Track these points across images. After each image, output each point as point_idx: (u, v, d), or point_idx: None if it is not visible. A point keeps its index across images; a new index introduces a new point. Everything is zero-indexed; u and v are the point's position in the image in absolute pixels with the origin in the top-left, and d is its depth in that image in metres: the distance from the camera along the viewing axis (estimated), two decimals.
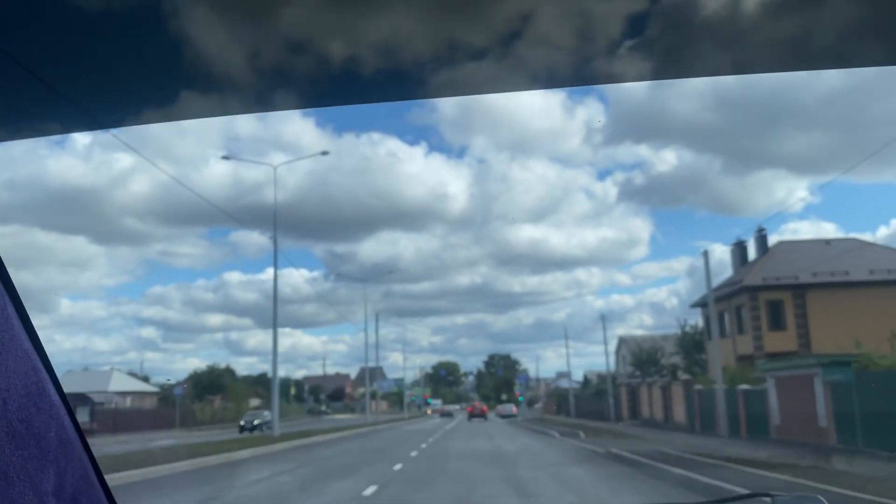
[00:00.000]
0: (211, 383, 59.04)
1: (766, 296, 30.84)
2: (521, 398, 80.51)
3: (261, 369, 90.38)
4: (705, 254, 25.60)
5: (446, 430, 32.23)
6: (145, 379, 59.43)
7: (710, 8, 0.93)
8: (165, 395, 51.20)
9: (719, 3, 0.92)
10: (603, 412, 39.90)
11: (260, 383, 77.16)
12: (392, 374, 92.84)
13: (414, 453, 16.42)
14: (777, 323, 30.75)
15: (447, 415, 65.67)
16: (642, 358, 42.37)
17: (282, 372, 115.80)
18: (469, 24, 0.95)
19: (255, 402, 57.12)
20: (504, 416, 54.78)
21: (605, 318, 42.97)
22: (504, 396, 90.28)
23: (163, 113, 1.04)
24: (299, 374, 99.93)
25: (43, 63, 0.86)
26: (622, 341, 50.79)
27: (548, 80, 1.04)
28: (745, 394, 22.41)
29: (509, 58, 0.99)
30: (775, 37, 0.97)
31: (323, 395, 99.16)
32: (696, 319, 38.36)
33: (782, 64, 1.04)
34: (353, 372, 64.32)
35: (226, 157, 29.74)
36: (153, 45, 0.88)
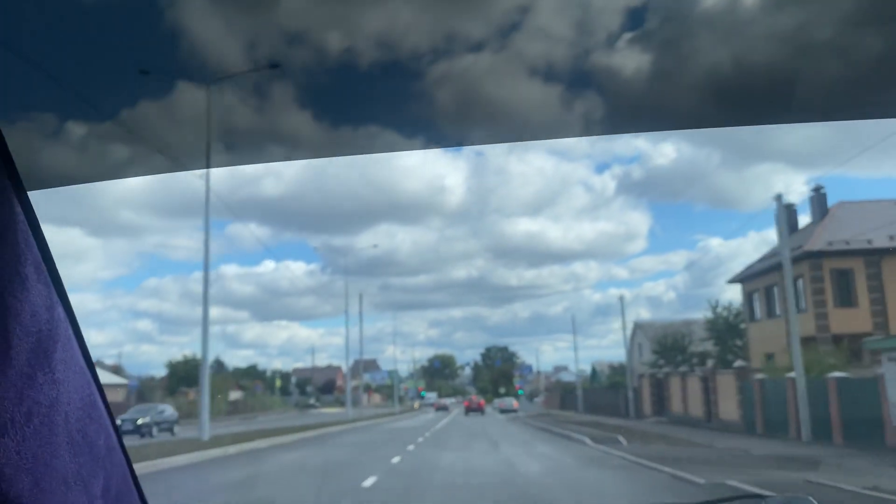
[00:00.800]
0: (187, 375, 55.33)
1: (832, 264, 25.13)
2: (521, 392, 74.84)
3: (255, 362, 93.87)
4: (779, 199, 19.56)
5: (436, 429, 26.94)
6: (116, 370, 56.22)
7: (709, 2, 0.99)
8: (142, 388, 50.45)
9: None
10: (617, 407, 35.16)
11: (249, 375, 73.91)
12: (389, 367, 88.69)
13: (369, 482, 9.59)
14: (846, 297, 25.01)
15: (443, 409, 62.25)
16: (667, 345, 36.64)
17: (278, 364, 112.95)
18: (467, 16, 0.99)
19: (235, 394, 54.96)
20: (504, 411, 50.79)
21: (623, 301, 36.56)
22: (502, 390, 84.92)
23: (158, 105, 1.08)
24: (297, 366, 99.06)
25: (40, 52, 0.90)
26: (638, 327, 44.88)
27: (546, 74, 1.08)
28: (841, 384, 16.47)
29: (507, 50, 1.03)
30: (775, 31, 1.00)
31: (310, 388, 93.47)
32: (729, 300, 32.81)
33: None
34: (348, 365, 63.14)
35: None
36: (149, 34, 0.93)
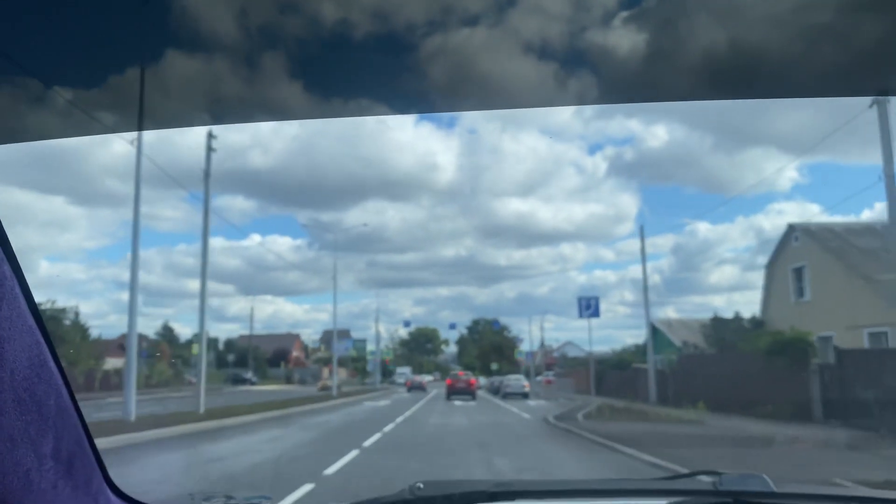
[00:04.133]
0: None
1: None
2: (523, 367, 75.24)
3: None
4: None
5: (386, 432, 18.84)
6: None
7: None
8: None
9: None
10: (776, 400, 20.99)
11: (169, 342, 79.77)
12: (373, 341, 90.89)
13: None
14: None
15: (418, 388, 59.46)
16: None
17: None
18: None
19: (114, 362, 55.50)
20: (509, 395, 44.61)
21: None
22: (494, 366, 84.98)
23: (151, 72, 1.26)
24: (245, 333, 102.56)
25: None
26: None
27: (541, 50, 1.27)
28: None
29: (503, 25, 1.23)
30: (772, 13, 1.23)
31: (252, 360, 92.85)
32: None
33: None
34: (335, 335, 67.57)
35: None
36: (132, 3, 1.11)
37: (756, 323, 33.79)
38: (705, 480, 1.77)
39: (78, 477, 1.15)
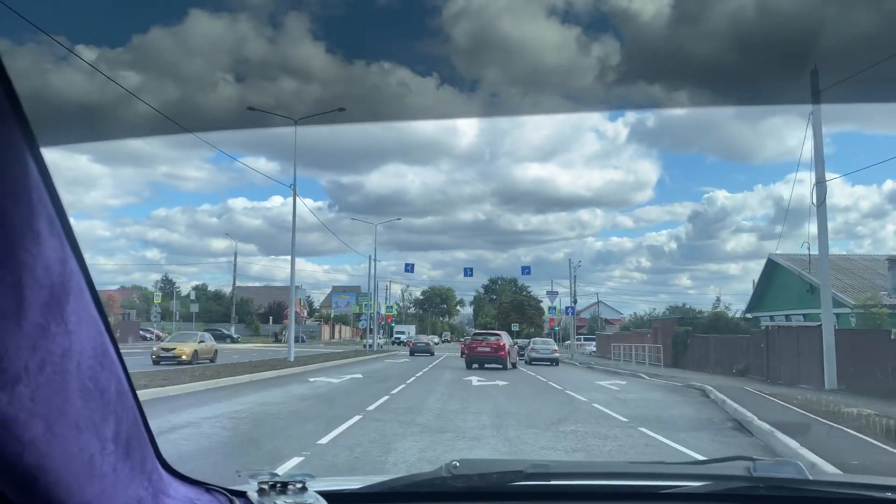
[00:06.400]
0: None
1: None
2: (555, 328, 60.37)
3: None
4: None
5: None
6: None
7: None
8: None
9: None
10: None
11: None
12: (389, 305, 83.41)
13: None
14: None
15: (423, 351, 48.90)
16: None
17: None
18: None
19: None
20: (537, 361, 36.45)
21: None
22: (515, 328, 70.82)
23: (169, 31, 1.26)
24: (241, 284, 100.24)
25: None
26: None
27: (564, 14, 1.52)
28: None
29: None
30: None
31: (234, 314, 79.55)
32: None
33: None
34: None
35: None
36: None
37: None
38: (740, 465, 1.75)
39: (134, 458, 1.19)
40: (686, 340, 32.38)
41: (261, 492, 1.55)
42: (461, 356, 43.00)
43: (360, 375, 22.98)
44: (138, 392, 1.32)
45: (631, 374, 27.49)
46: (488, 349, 29.92)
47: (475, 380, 21.71)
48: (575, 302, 54.74)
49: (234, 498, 1.51)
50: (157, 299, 59.00)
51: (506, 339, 31.84)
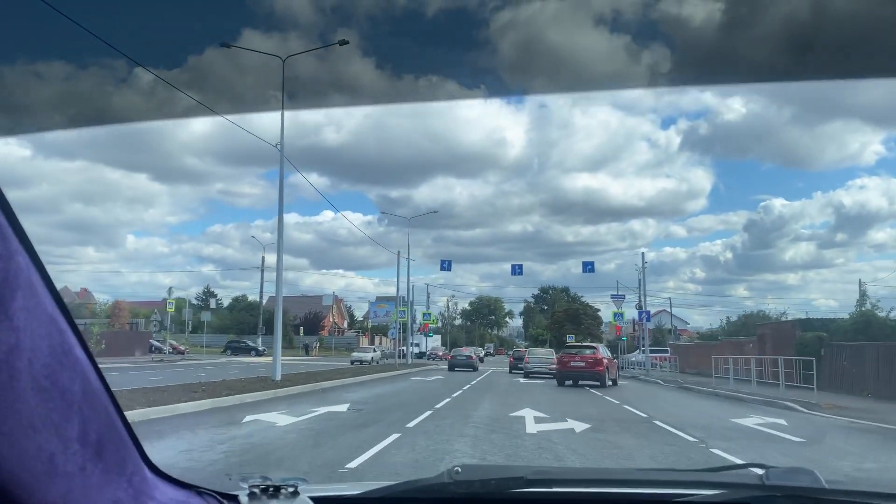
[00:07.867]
0: None
1: None
2: (623, 338, 51.56)
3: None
4: None
5: None
6: None
7: None
8: None
9: None
10: None
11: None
12: (428, 312, 77.45)
13: None
14: None
15: (464, 365, 42.00)
16: None
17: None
18: None
19: None
20: (532, 374, 32.67)
21: None
22: (571, 338, 62.47)
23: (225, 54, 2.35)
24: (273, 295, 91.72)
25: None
26: None
27: (613, 23, 1.70)
28: None
29: None
30: None
31: (262, 326, 72.63)
32: None
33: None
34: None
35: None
36: None
37: None
38: (753, 473, 1.71)
39: (109, 458, 1.16)
40: (819, 350, 23.70)
41: (252, 496, 1.55)
42: (509, 372, 39.67)
43: (343, 408, 14.91)
44: None
45: (765, 401, 18.87)
46: (583, 364, 25.87)
47: (531, 421, 13.36)
48: (646, 308, 45.92)
49: (224, 501, 1.50)
50: (171, 308, 51.87)
51: (603, 351, 27.93)
